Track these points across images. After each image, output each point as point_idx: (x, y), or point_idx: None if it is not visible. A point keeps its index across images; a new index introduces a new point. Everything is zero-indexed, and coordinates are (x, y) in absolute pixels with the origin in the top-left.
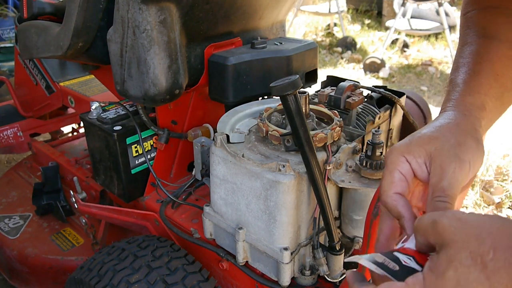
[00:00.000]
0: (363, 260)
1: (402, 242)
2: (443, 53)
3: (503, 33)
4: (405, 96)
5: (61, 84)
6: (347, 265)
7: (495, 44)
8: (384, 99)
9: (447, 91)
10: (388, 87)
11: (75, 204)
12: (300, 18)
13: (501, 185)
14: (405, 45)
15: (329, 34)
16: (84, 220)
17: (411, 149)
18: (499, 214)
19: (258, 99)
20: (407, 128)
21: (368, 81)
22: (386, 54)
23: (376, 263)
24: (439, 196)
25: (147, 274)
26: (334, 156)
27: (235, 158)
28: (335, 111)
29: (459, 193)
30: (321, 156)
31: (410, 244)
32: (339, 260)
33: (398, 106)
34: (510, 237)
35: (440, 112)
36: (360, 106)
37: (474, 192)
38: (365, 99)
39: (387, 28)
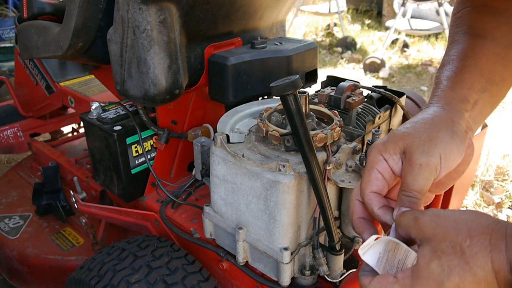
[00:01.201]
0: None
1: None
2: (443, 53)
3: (490, 31)
4: (405, 96)
5: (61, 84)
6: (347, 265)
7: (481, 41)
8: (384, 99)
9: (432, 88)
10: (388, 87)
11: (75, 204)
12: (300, 18)
13: (501, 185)
14: (405, 45)
15: (329, 34)
16: (84, 220)
17: (387, 147)
18: (499, 214)
19: (258, 99)
20: None
21: (368, 81)
22: (386, 54)
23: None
24: (404, 191)
25: (147, 274)
26: (334, 156)
27: (235, 158)
28: (335, 111)
29: (428, 186)
30: (321, 156)
31: (391, 236)
32: (339, 260)
33: (398, 106)
34: (483, 226)
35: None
36: (360, 106)
37: (474, 192)
38: (365, 99)
39: (387, 28)
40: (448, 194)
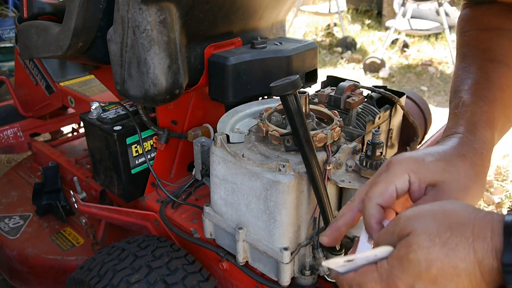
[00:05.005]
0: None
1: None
2: (443, 53)
3: (510, 58)
4: (405, 96)
5: (61, 84)
6: None
7: (504, 70)
8: (384, 99)
9: (460, 112)
10: (388, 87)
11: (75, 204)
12: (300, 18)
13: (501, 185)
14: (405, 45)
15: (329, 34)
16: (84, 220)
17: (420, 171)
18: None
19: (258, 99)
20: (407, 128)
21: (368, 81)
22: (386, 54)
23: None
24: None
25: (147, 274)
26: (334, 156)
27: (235, 158)
28: (335, 111)
29: None
30: (321, 156)
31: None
32: None
33: (398, 106)
34: (464, 217)
35: (453, 131)
36: (360, 106)
37: None
38: (365, 99)
39: (387, 28)
40: None
